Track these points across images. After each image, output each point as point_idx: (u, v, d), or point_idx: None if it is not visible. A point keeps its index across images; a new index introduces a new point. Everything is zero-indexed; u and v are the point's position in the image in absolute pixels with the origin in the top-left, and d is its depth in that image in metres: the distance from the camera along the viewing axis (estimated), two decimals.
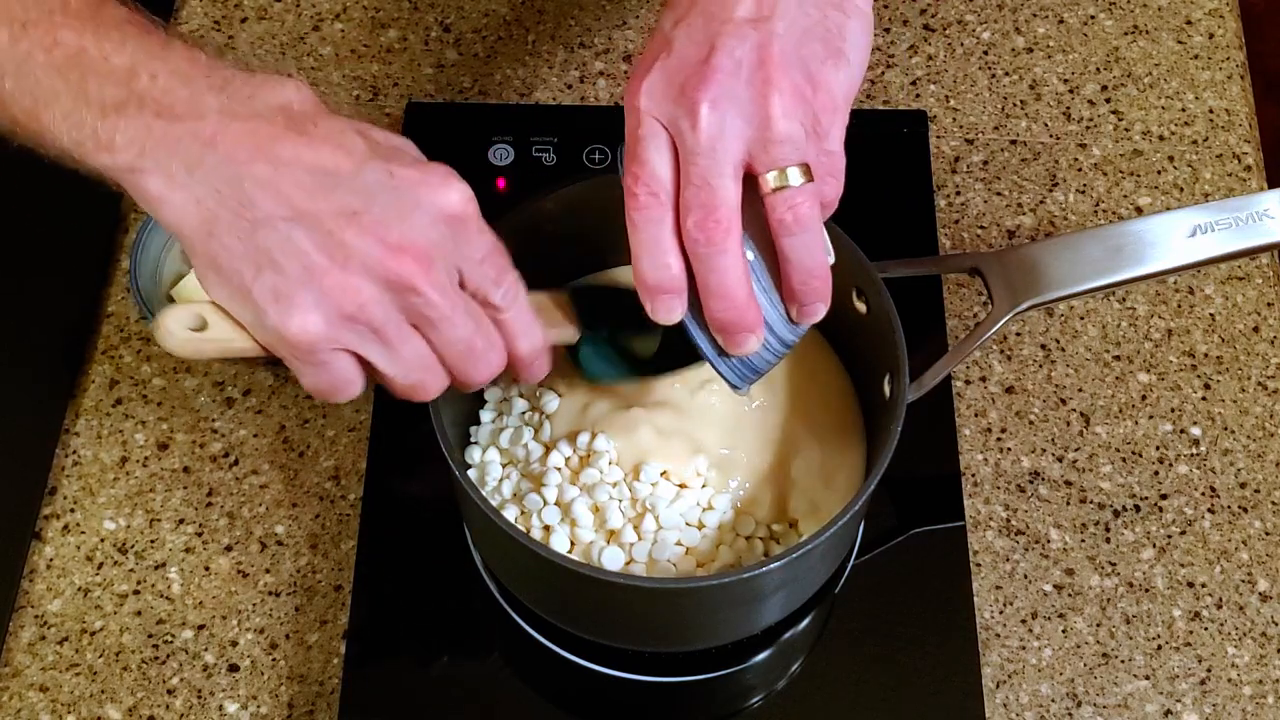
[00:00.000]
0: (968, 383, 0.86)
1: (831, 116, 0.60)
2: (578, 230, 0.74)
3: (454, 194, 0.58)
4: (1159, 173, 0.94)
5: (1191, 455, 0.84)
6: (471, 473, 0.75)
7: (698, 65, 0.58)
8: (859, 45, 0.60)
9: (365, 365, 0.59)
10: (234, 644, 0.78)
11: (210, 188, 0.55)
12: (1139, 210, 0.92)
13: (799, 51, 0.58)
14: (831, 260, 0.62)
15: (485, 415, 0.77)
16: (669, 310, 0.61)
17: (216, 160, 0.55)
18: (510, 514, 0.72)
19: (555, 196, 0.73)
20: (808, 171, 0.59)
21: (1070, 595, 0.79)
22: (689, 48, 0.58)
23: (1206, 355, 0.87)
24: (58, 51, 0.56)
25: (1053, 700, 0.77)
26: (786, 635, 0.77)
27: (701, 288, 0.60)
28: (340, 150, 0.56)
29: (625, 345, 0.70)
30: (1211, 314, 0.88)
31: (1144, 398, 0.86)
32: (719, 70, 0.57)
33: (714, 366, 0.64)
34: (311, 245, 0.55)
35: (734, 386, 0.66)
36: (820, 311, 0.63)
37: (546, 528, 0.71)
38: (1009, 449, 0.84)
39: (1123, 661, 0.78)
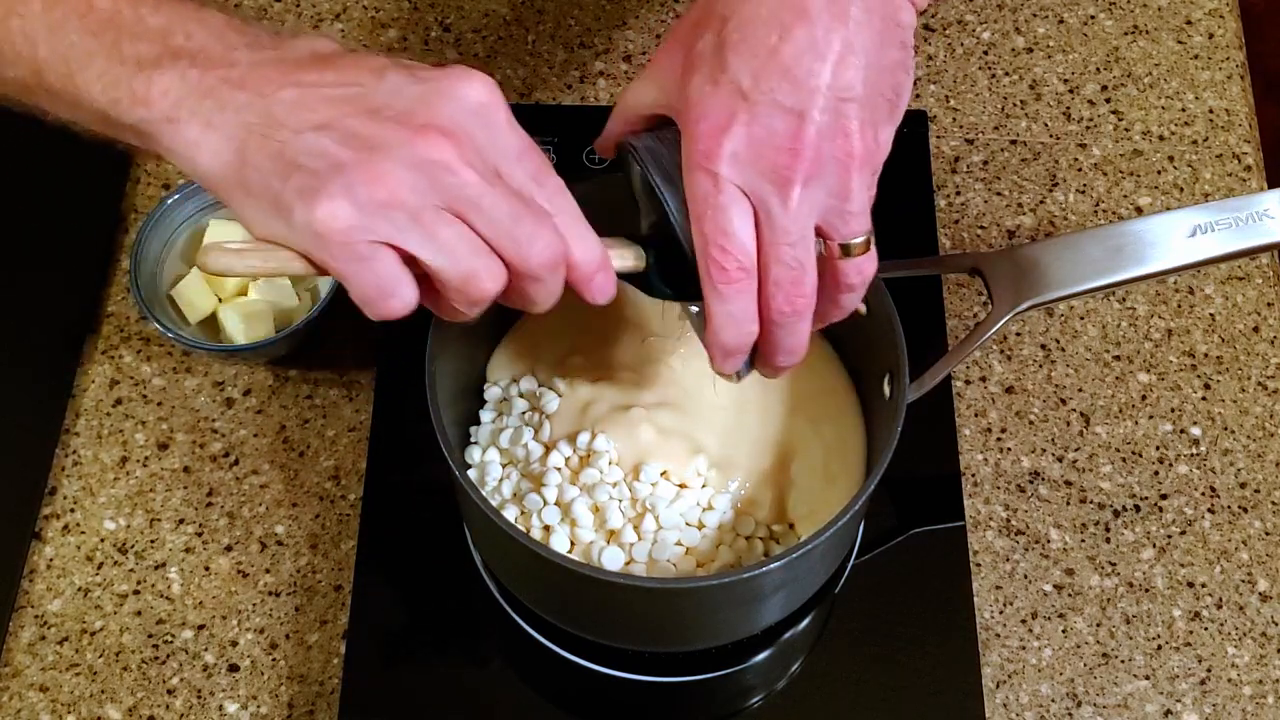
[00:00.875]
0: (968, 383, 0.86)
1: (881, 166, 0.60)
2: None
3: (477, 82, 0.57)
4: (1159, 173, 0.94)
5: (1191, 455, 0.84)
6: (471, 473, 0.75)
7: (789, 139, 0.57)
8: (906, 97, 0.61)
9: (413, 267, 0.56)
10: (234, 644, 0.78)
11: (241, 122, 0.55)
12: (1139, 210, 0.92)
13: (872, 116, 0.58)
14: None
15: (485, 415, 0.77)
16: (737, 365, 0.63)
17: (247, 98, 0.55)
18: (510, 514, 0.72)
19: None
20: (871, 236, 0.61)
21: (1070, 595, 0.79)
22: (775, 116, 0.57)
23: (1206, 355, 0.87)
24: (92, 16, 0.57)
25: (1053, 700, 0.77)
26: (786, 635, 0.77)
27: (773, 346, 0.62)
28: (364, 69, 0.57)
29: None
30: (1211, 314, 0.88)
31: (1144, 398, 0.86)
32: (810, 148, 0.57)
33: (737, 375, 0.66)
34: (338, 145, 0.54)
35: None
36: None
37: (546, 528, 0.71)
38: (1009, 449, 0.84)
39: (1123, 661, 0.78)
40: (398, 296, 0.56)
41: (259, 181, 0.55)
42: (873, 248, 0.61)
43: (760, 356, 0.64)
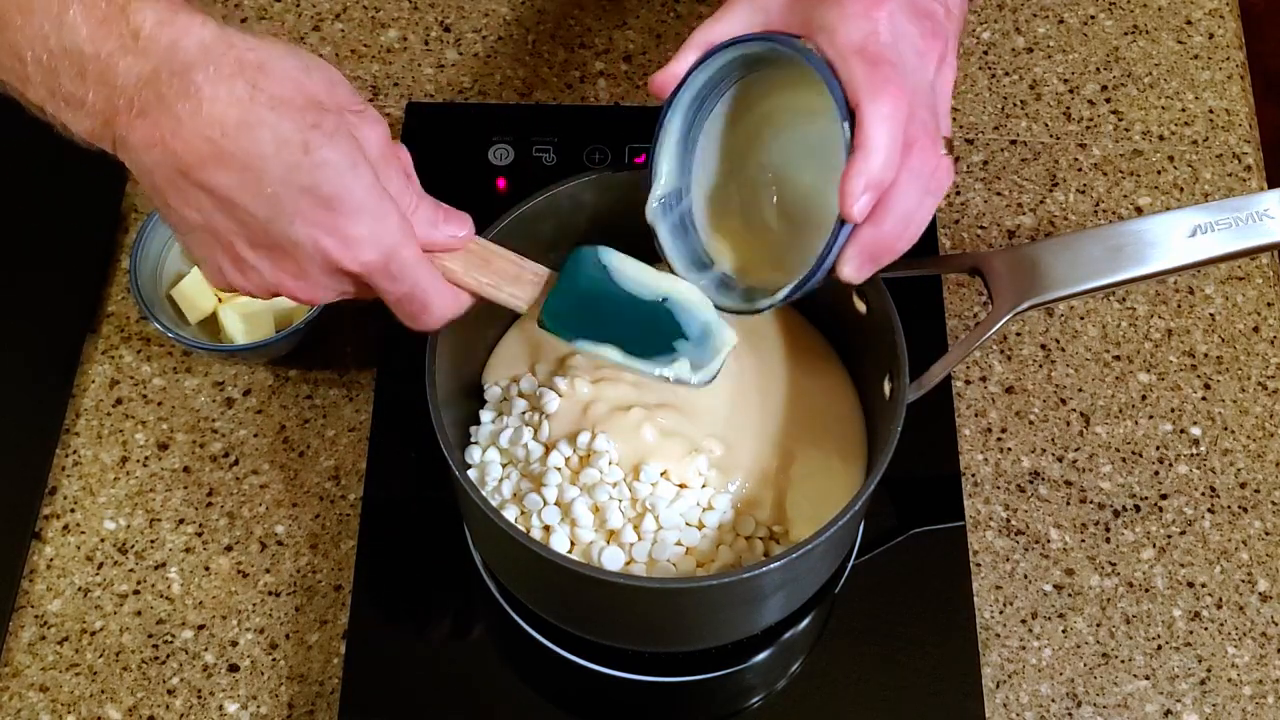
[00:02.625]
0: (968, 383, 0.86)
1: None
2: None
3: (354, 258, 0.60)
4: (1159, 173, 0.94)
5: (1191, 455, 0.84)
6: (471, 473, 0.75)
7: (931, 26, 0.64)
8: None
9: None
10: (234, 644, 0.78)
11: (135, 168, 0.58)
12: (1139, 210, 0.92)
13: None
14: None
15: (485, 415, 0.77)
16: (869, 204, 0.62)
17: (127, 148, 0.57)
18: (510, 514, 0.72)
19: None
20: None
21: (1070, 595, 0.79)
22: (916, 9, 0.63)
23: (1206, 355, 0.87)
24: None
25: (1053, 700, 0.77)
26: (786, 635, 0.77)
27: (897, 213, 0.63)
28: (245, 181, 0.57)
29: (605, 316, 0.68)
30: (1211, 314, 0.88)
31: (1144, 398, 0.86)
32: (942, 41, 0.64)
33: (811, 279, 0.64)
34: (215, 250, 0.60)
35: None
36: None
37: (546, 528, 0.71)
38: (1009, 449, 0.84)
39: (1123, 661, 0.78)
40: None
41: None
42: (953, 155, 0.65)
43: (868, 237, 0.62)
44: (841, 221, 0.61)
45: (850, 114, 0.60)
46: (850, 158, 0.60)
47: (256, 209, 0.57)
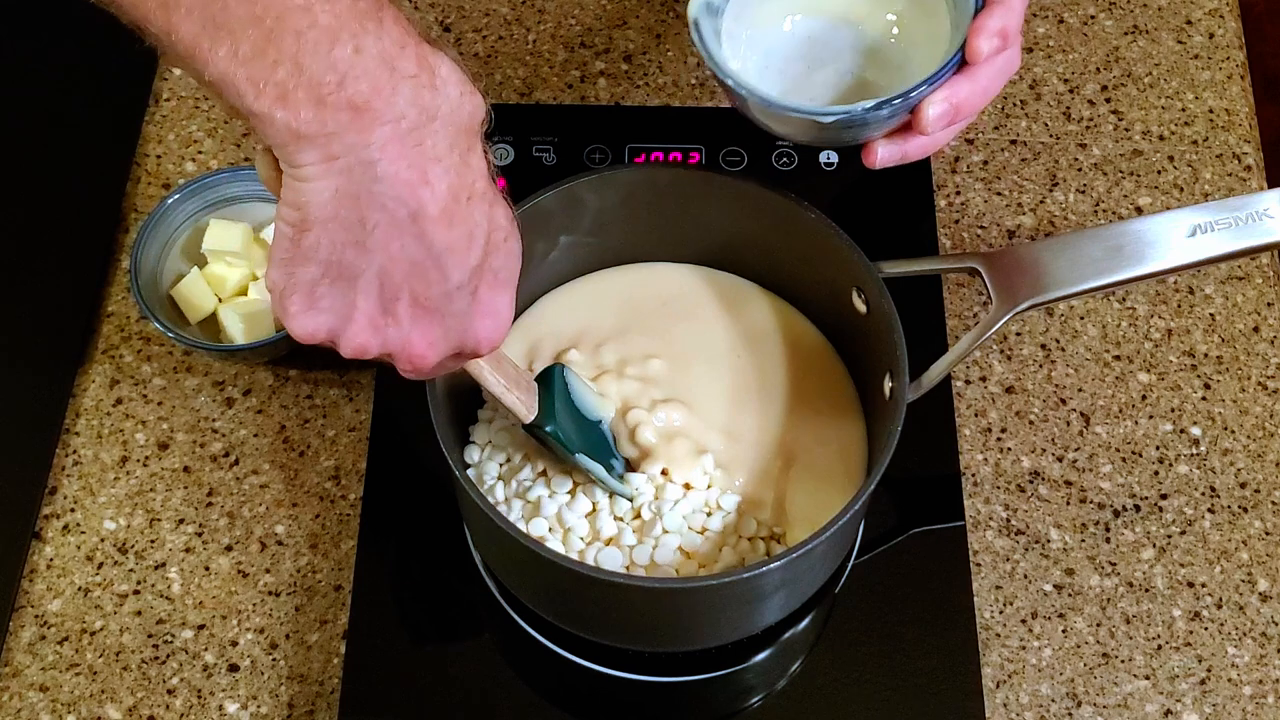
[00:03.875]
0: (968, 383, 0.86)
1: None
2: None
3: (489, 336, 0.59)
4: (1159, 173, 0.94)
5: (1191, 455, 0.84)
6: (471, 473, 0.75)
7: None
8: None
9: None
10: (234, 644, 0.78)
11: (350, 191, 0.52)
12: (1139, 210, 0.92)
13: None
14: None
15: (484, 414, 0.77)
16: (992, 48, 0.67)
17: (373, 174, 0.52)
18: (510, 514, 0.72)
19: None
20: None
21: (1070, 595, 0.79)
22: None
23: (1206, 355, 0.87)
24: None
25: (1053, 700, 0.77)
26: (786, 635, 0.77)
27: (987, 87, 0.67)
28: (462, 245, 0.56)
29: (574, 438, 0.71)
30: (1211, 314, 0.88)
31: (1144, 398, 0.86)
32: None
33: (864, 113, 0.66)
34: (370, 296, 0.56)
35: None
36: None
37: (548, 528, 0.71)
38: (1009, 449, 0.84)
39: (1123, 661, 0.78)
40: None
41: (303, 244, 0.54)
42: None
43: (963, 86, 0.66)
44: (950, 63, 0.65)
45: None
46: (989, 6, 0.65)
47: (453, 274, 0.56)
